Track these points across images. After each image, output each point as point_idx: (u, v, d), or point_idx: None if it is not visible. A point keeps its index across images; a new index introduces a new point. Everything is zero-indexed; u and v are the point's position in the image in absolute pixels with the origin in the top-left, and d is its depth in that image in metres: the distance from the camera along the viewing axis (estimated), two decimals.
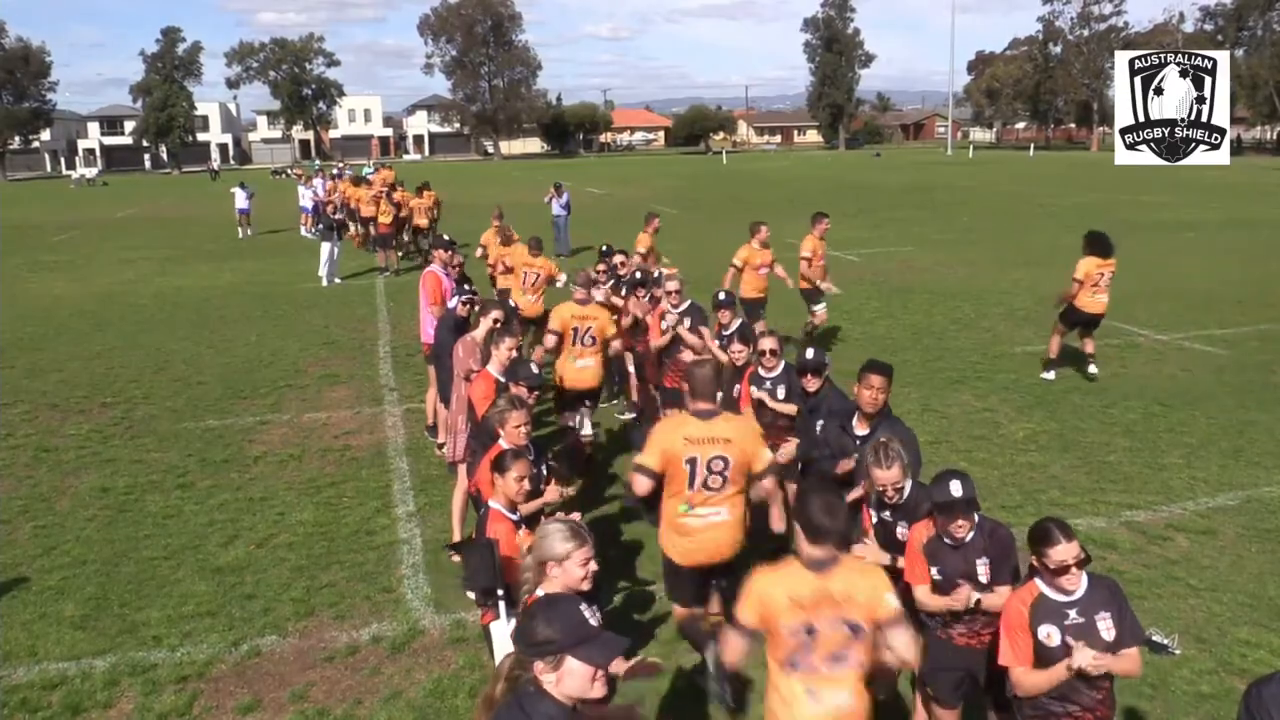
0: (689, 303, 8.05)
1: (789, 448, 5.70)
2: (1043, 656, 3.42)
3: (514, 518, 4.21)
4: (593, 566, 3.26)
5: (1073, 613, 3.40)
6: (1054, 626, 3.40)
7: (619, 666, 3.06)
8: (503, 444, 4.80)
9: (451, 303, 8.57)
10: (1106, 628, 3.39)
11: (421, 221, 21.61)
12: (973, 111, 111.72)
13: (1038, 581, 3.49)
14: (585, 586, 3.20)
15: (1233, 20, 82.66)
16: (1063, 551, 3.36)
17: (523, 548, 3.27)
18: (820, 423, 5.48)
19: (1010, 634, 3.49)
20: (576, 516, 3.96)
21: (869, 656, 3.34)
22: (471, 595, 4.24)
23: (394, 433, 9.47)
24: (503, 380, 6.04)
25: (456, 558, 6.52)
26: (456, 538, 6.68)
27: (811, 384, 5.62)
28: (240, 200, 27.79)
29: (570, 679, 2.39)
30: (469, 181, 49.98)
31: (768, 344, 6.22)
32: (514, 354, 6.19)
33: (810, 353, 5.65)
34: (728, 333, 7.33)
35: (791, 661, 3.34)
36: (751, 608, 3.39)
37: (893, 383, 5.08)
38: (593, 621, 2.50)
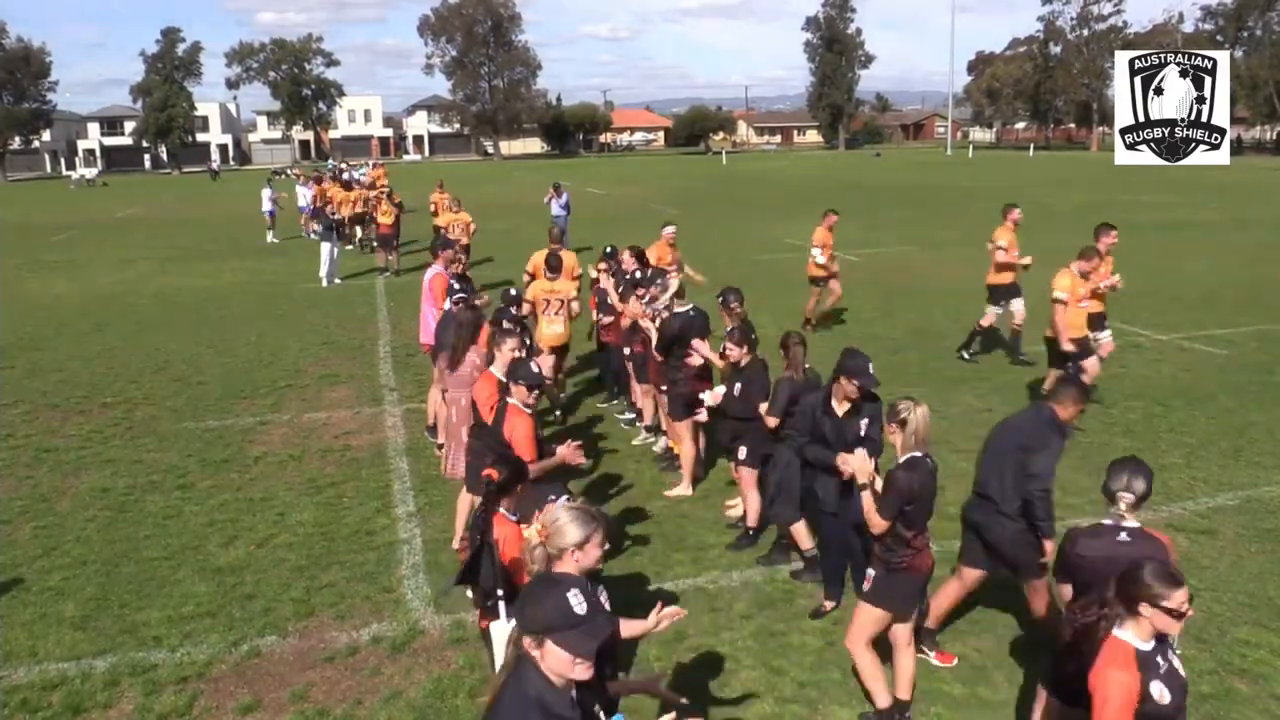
0: (690, 307, 7.77)
1: (712, 393, 6.79)
2: (1153, 716, 3.02)
3: (515, 519, 4.21)
4: (605, 545, 3.38)
5: (1160, 659, 3.05)
6: (1159, 682, 3.03)
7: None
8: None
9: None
10: (1180, 664, 3.11)
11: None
12: (972, 111, 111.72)
13: (1124, 635, 3.09)
14: (599, 565, 3.41)
15: (1232, 20, 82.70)
16: (1185, 593, 3.00)
17: (530, 542, 3.30)
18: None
19: (1124, 715, 3.02)
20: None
21: (568, 312, 9.22)
22: (469, 592, 4.27)
23: (394, 433, 9.48)
24: (505, 380, 6.04)
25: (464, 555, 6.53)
26: (459, 539, 6.68)
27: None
28: (266, 202, 26.91)
29: (551, 659, 2.54)
30: (469, 181, 49.90)
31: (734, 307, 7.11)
32: (516, 354, 6.19)
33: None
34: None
35: (544, 313, 9.10)
36: (531, 292, 9.08)
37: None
38: (580, 609, 2.55)
